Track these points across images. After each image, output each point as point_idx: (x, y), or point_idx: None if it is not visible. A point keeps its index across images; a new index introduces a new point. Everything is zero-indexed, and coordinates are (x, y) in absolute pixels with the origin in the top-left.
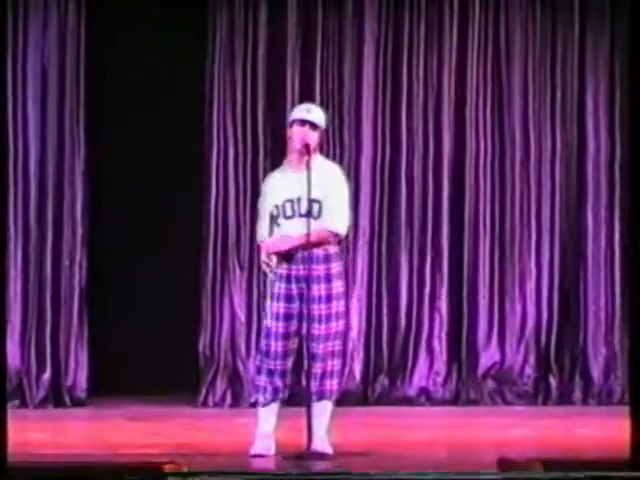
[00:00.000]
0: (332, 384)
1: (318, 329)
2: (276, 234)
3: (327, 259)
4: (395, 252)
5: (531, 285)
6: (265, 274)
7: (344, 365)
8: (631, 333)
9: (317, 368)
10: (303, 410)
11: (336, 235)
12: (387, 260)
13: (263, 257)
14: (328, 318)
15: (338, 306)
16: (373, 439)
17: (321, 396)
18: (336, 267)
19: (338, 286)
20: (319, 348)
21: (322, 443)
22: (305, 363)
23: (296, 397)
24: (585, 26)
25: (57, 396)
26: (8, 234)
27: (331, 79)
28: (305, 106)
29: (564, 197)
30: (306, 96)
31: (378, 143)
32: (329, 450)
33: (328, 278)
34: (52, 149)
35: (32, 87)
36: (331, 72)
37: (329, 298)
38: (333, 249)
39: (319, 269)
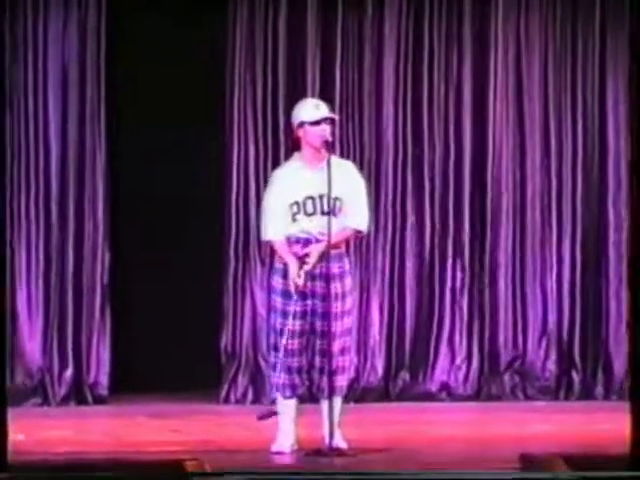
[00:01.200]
0: (343, 380)
1: (335, 326)
2: (291, 230)
3: (340, 257)
4: (416, 248)
5: (553, 280)
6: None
7: (364, 361)
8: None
9: (333, 365)
10: (311, 407)
11: (359, 232)
12: (408, 256)
13: (294, 273)
14: (343, 315)
15: (350, 302)
16: (394, 435)
17: (337, 392)
18: (347, 264)
19: (349, 282)
20: (335, 345)
21: (338, 438)
22: (317, 359)
23: (307, 394)
24: (605, 21)
25: (79, 393)
26: (30, 231)
27: (351, 75)
28: (311, 103)
29: (585, 192)
30: (326, 92)
31: (399, 139)
32: (344, 445)
33: (342, 275)
34: (73, 145)
35: (52, 85)
36: (351, 68)
37: (344, 295)
38: (344, 247)
39: (335, 267)
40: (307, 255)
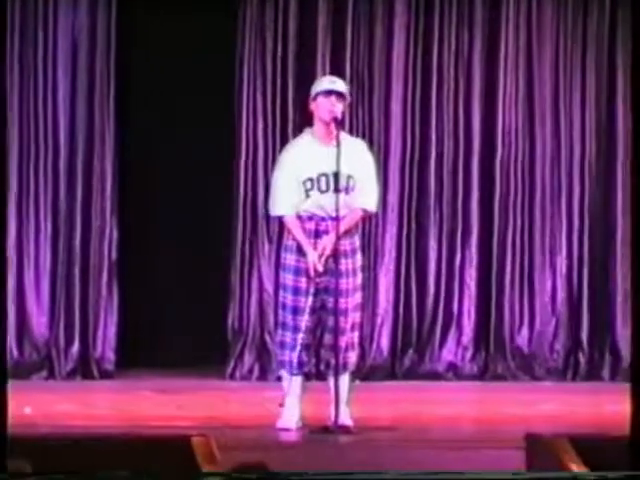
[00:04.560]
0: (353, 356)
1: (345, 302)
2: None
3: (351, 234)
4: (424, 227)
5: (561, 261)
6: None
7: (371, 339)
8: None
9: (341, 341)
10: (318, 385)
11: (366, 211)
12: (416, 235)
13: (314, 258)
14: (354, 291)
15: (361, 278)
16: (400, 414)
17: (345, 368)
18: (357, 240)
19: (360, 259)
20: (345, 321)
21: (346, 416)
22: (327, 336)
23: (316, 370)
24: (617, 10)
25: (85, 368)
26: (38, 207)
27: (361, 56)
28: (328, 78)
29: (594, 173)
30: (336, 72)
31: (407, 120)
32: (350, 422)
33: (353, 252)
34: (82, 122)
35: (62, 63)
36: (361, 49)
37: (354, 271)
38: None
39: (345, 244)
40: (323, 250)
